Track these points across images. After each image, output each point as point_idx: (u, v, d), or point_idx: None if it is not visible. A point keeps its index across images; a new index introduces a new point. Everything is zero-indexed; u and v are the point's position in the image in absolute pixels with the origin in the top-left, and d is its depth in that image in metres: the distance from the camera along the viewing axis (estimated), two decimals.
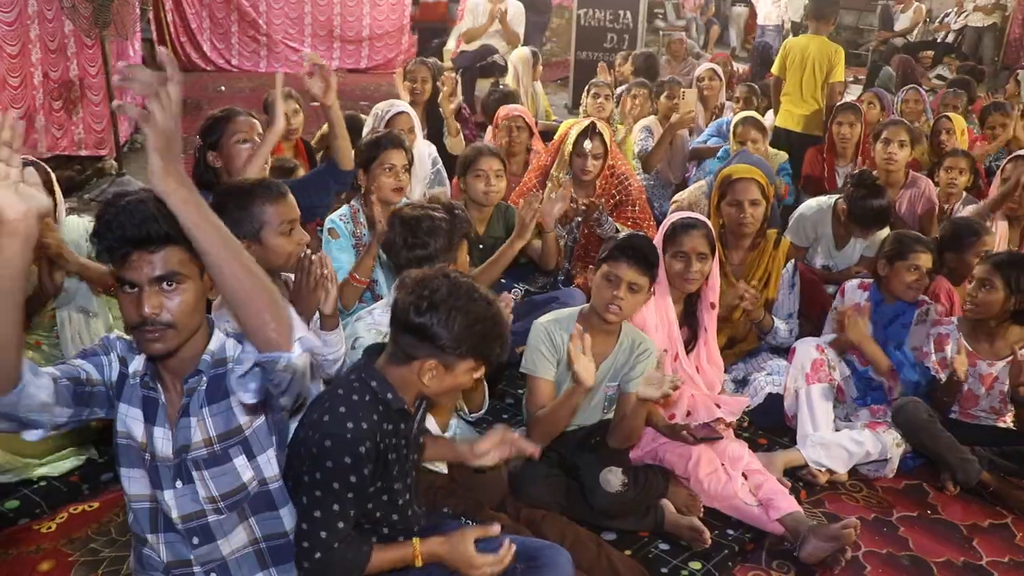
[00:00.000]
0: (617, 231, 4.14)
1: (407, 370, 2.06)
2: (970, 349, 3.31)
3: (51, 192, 3.19)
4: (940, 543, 2.97)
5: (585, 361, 2.54)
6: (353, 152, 3.32)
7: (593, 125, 4.21)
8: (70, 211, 6.26)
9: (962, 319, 3.38)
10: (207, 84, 9.90)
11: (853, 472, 3.29)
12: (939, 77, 10.78)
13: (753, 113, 5.43)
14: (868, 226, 4.04)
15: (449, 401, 2.32)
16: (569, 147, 4.21)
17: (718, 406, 3.01)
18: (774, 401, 3.45)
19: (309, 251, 2.51)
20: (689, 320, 3.16)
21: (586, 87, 5.57)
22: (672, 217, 3.18)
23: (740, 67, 9.48)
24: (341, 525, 2.01)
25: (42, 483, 2.98)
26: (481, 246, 3.84)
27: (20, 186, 1.52)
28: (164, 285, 1.79)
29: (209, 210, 1.58)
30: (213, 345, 1.93)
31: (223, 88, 9.93)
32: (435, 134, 5.38)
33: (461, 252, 2.74)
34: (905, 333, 3.46)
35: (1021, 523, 3.09)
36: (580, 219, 4.21)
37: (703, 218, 3.13)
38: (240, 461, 1.97)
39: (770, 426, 3.51)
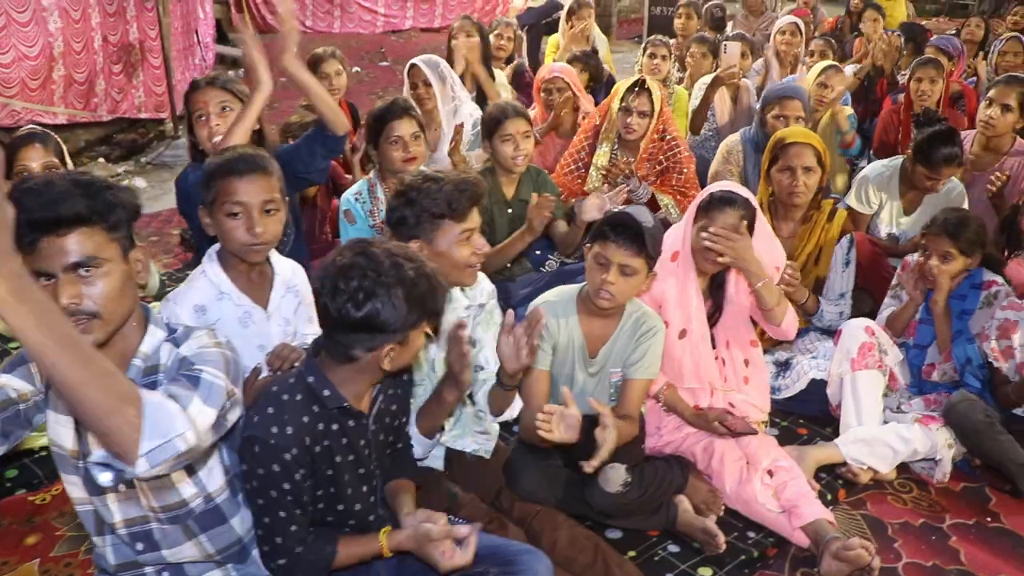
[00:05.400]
0: (652, 197, 3.85)
1: (357, 366, 1.91)
2: None
3: (63, 162, 3.12)
4: (998, 556, 2.61)
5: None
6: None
7: (642, 81, 3.93)
8: (127, 174, 6.37)
9: None
10: (278, 46, 9.86)
11: (904, 469, 2.96)
12: None
13: (834, 63, 5.02)
14: (938, 166, 3.56)
15: (412, 360, 2.05)
16: (616, 104, 3.95)
17: (730, 412, 2.73)
18: (818, 388, 3.12)
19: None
20: (714, 293, 2.85)
21: (643, 45, 5.22)
22: (712, 187, 2.82)
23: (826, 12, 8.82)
24: (294, 528, 1.93)
25: (42, 453, 2.92)
26: (510, 210, 3.65)
27: None
28: (81, 272, 1.64)
29: (37, 303, 1.27)
30: (146, 347, 1.78)
31: (295, 49, 9.88)
32: (483, 95, 5.14)
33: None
34: (964, 321, 3.05)
35: None
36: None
37: (745, 193, 2.74)
38: (178, 476, 1.85)
39: (812, 415, 3.19)
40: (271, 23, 10.59)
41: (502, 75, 5.36)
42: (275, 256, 2.45)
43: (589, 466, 2.21)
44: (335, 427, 1.96)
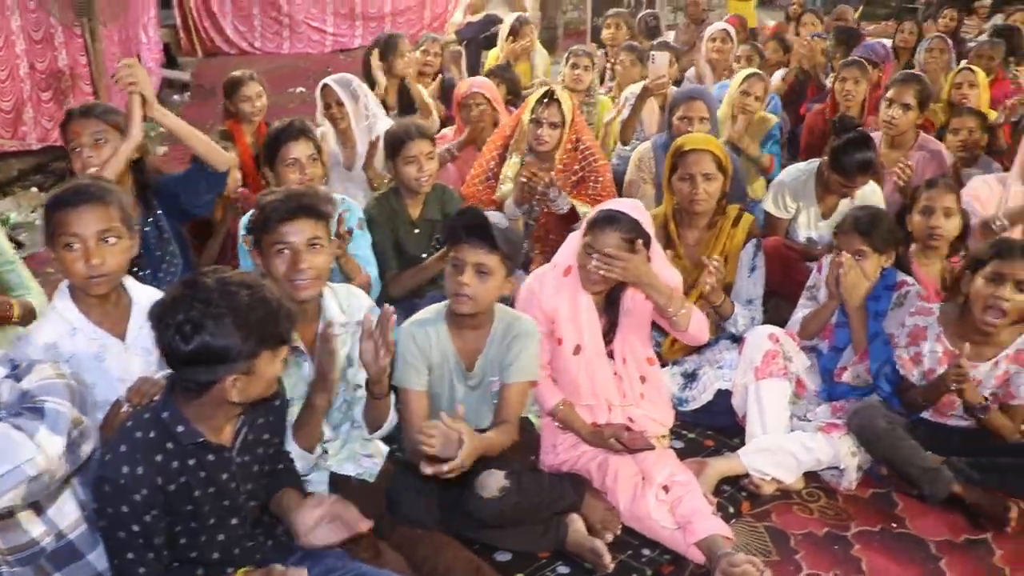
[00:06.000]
0: (572, 208, 3.80)
1: (206, 399, 1.87)
2: (950, 347, 2.82)
3: None
4: (900, 563, 2.57)
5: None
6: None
7: (551, 92, 3.87)
8: None
9: (945, 308, 2.90)
10: (227, 69, 9.83)
11: (813, 477, 2.90)
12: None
13: (757, 70, 5.02)
14: (852, 174, 3.55)
15: (269, 388, 1.96)
16: (527, 116, 3.89)
17: (628, 427, 2.69)
18: (725, 398, 3.06)
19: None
20: (608, 309, 2.80)
21: (565, 56, 5.20)
22: (602, 206, 2.79)
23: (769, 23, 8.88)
24: (143, 571, 1.87)
25: None
26: (416, 230, 3.57)
27: None
28: None
29: None
30: None
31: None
32: (409, 111, 5.10)
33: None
34: (879, 322, 3.01)
35: (1002, 539, 2.66)
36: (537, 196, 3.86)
37: (632, 213, 2.69)
38: (25, 516, 1.79)
39: (720, 426, 3.12)
40: (219, 45, 10.58)
41: (424, 91, 5.32)
42: (133, 284, 2.38)
43: (430, 468, 2.17)
44: (192, 463, 1.91)
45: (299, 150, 3.19)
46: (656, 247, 2.78)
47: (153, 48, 9.19)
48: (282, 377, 2.35)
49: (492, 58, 6.40)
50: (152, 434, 1.86)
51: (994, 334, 2.74)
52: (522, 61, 6.15)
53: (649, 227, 2.70)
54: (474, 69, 7.25)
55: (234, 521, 2.01)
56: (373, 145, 4.05)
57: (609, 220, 2.64)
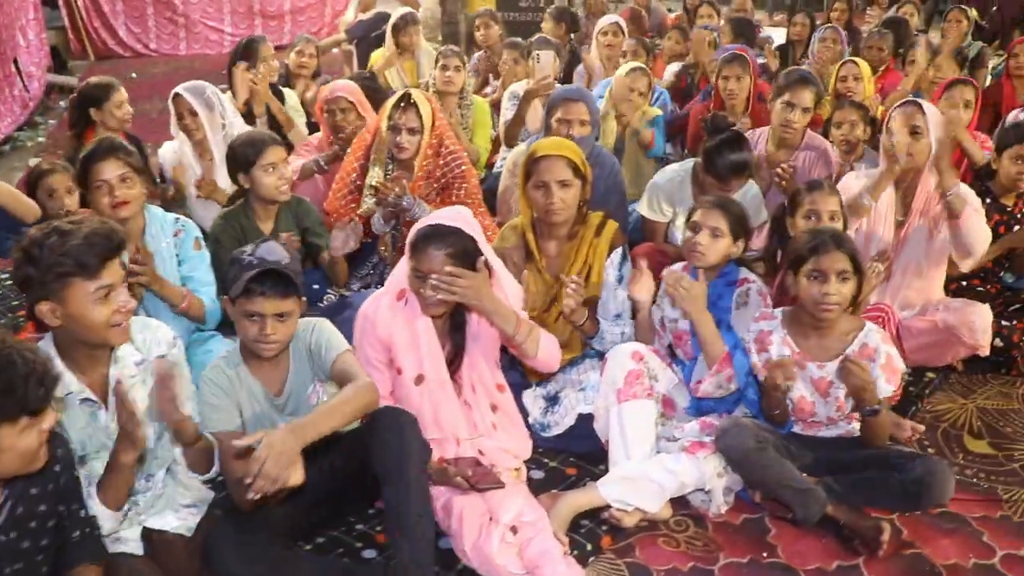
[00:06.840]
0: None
1: None
2: (796, 349, 2.69)
3: None
4: None
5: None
6: None
7: (407, 95, 3.63)
8: None
9: (786, 311, 2.76)
10: (121, 72, 9.38)
11: (682, 504, 2.71)
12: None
13: (641, 64, 4.84)
14: (726, 177, 3.38)
15: (26, 463, 1.74)
16: (385, 123, 3.64)
17: (478, 462, 2.51)
18: (588, 422, 2.85)
19: None
20: (453, 334, 2.59)
21: (435, 57, 4.97)
22: (424, 221, 2.55)
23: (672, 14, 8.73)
24: None
25: None
26: None
27: None
28: None
29: None
30: None
31: (135, 75, 9.41)
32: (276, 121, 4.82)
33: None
34: (733, 335, 2.83)
35: (873, 564, 2.50)
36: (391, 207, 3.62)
37: (454, 223, 2.46)
38: None
39: (583, 452, 2.91)
40: (112, 47, 10.10)
41: (294, 95, 5.03)
42: None
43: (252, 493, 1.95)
44: None
45: (108, 171, 2.89)
46: (496, 260, 2.57)
47: (35, 52, 8.68)
48: (69, 434, 2.11)
49: (375, 57, 6.14)
50: None
51: (833, 327, 2.68)
52: (406, 59, 5.90)
53: (476, 232, 2.50)
54: (364, 68, 6.97)
55: None
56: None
57: (430, 238, 2.43)
